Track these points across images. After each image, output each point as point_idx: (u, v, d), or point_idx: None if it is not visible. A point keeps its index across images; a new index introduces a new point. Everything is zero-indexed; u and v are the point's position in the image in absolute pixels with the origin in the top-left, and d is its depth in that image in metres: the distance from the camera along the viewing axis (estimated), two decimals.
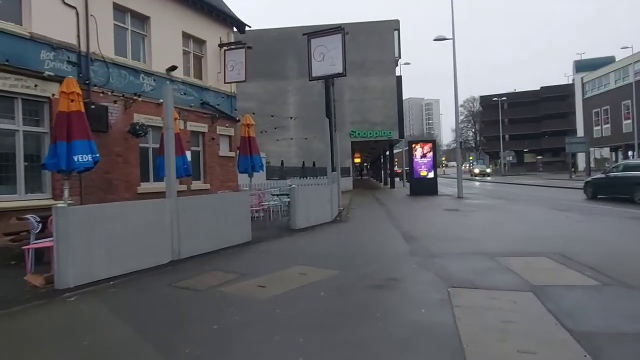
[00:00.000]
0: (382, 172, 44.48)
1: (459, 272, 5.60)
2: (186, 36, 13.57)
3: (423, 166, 23.17)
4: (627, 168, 15.94)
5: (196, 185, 13.44)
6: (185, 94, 12.99)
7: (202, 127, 13.96)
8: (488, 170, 41.70)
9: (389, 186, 34.05)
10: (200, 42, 14.25)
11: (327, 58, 13.76)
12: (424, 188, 22.88)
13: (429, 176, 23.13)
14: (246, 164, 12.34)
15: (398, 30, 30.46)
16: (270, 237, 9.02)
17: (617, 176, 15.97)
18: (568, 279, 5.17)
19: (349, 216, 13.22)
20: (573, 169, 47.51)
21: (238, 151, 13.24)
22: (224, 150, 14.98)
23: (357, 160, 58.13)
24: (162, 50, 12.42)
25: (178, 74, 12.87)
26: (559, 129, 76.22)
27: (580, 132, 60.27)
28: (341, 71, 13.59)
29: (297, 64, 30.33)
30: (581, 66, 70.11)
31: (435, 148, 23.70)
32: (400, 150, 49.43)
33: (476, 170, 32.87)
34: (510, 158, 67.08)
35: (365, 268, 6.02)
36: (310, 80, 14.37)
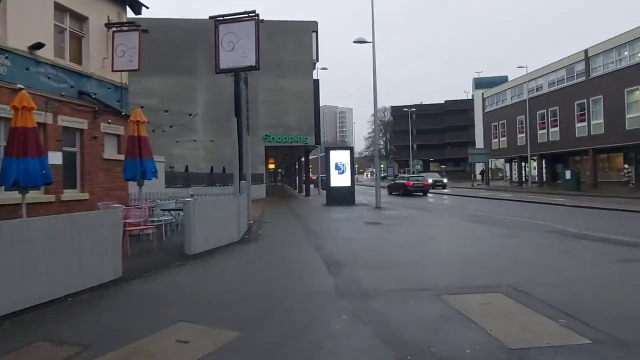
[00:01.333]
0: (297, 178, 43.21)
1: (407, 327, 4.15)
2: (60, 8, 10.88)
3: (340, 174, 22.12)
4: (403, 178, 30.05)
5: (70, 195, 10.77)
6: (51, 78, 10.30)
7: (80, 122, 11.31)
8: (445, 180, 39.87)
9: (304, 194, 32.80)
10: (80, 19, 11.60)
11: (237, 48, 11.91)
12: (341, 197, 21.82)
13: (346, 185, 22.14)
14: (134, 169, 10.00)
15: (316, 32, 29.42)
16: (153, 268, 6.88)
17: (396, 182, 31.51)
18: (545, 333, 3.96)
19: (260, 233, 11.45)
20: (481, 178, 50.29)
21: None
22: (110, 152, 12.39)
23: (272, 166, 56.28)
24: (24, 22, 9.68)
25: (46, 54, 10.17)
26: (460, 141, 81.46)
27: (479, 144, 64.63)
28: (254, 64, 11.84)
29: (208, 60, 27.78)
30: (479, 83, 75.61)
31: (352, 156, 22.81)
32: (316, 156, 48.70)
33: (430, 180, 30.80)
34: (419, 167, 69.91)
35: (277, 324, 4.33)
36: (217, 73, 12.39)
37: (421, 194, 29.58)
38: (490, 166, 58.43)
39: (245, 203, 11.86)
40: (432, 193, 34.31)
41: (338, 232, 11.65)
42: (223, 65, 12.20)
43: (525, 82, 39.36)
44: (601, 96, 30.27)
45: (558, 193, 27.79)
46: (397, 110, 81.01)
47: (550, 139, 36.28)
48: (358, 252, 8.45)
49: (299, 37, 29.19)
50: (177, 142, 27.05)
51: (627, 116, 28.12)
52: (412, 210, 17.85)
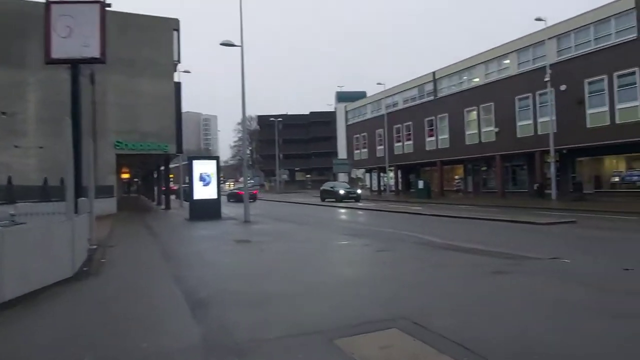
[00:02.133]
0: (156, 189, 39.46)
1: None
2: None
3: (205, 186, 20.33)
4: (333, 185, 34.79)
5: None
6: None
7: None
8: (359, 192, 35.06)
9: (163, 207, 29.83)
10: None
11: (76, 35, 9.74)
12: (206, 211, 20.03)
13: (211, 197, 20.42)
14: None
15: (178, 31, 27.09)
16: None
17: (326, 189, 34.69)
18: None
19: (105, 261, 9.33)
20: (358, 186, 52.07)
21: None
22: None
23: (126, 175, 50.86)
24: None
25: None
26: (324, 151, 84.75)
27: (341, 154, 67.89)
28: (98, 56, 9.84)
29: (42, 47, 23.53)
30: (342, 97, 79.80)
31: (219, 166, 21.22)
32: (178, 165, 45.24)
33: (341, 192, 31.70)
34: (285, 176, 70.53)
35: None
36: (47, 63, 9.99)
37: (353, 200, 31.65)
38: (352, 176, 61.70)
39: (86, 224, 9.62)
40: (296, 203, 34.35)
41: (203, 254, 10.15)
42: (56, 53, 9.89)
43: (383, 98, 42.24)
44: (447, 114, 33.81)
45: (413, 201, 29.99)
46: (263, 120, 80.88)
47: (405, 151, 39.39)
48: (229, 281, 7.18)
49: (158, 34, 26.55)
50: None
51: (467, 133, 31.79)
52: (284, 224, 17.07)
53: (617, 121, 21.42)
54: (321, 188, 36.76)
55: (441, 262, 8.41)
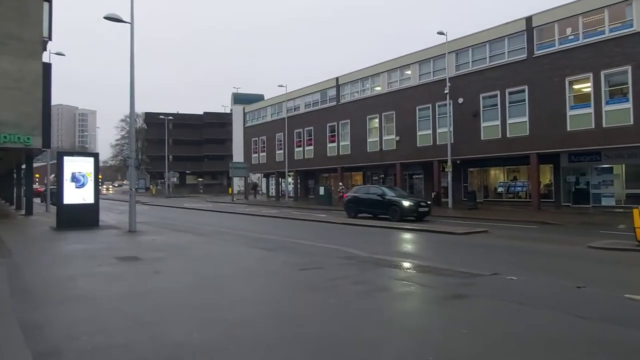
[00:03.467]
0: (15, 191, 33.14)
1: None
2: None
3: (79, 188, 16.88)
4: (382, 193, 21.04)
5: None
6: None
7: None
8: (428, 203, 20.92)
9: (23, 212, 24.76)
10: None
11: None
12: (80, 218, 16.62)
13: (87, 202, 17.03)
14: None
15: (50, 2, 22.70)
16: None
17: (364, 197, 21.66)
18: None
19: None
20: (254, 192, 49.22)
21: None
22: None
23: None
24: None
25: None
26: (218, 154, 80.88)
27: (236, 157, 65.22)
28: None
29: None
30: (238, 99, 77.13)
31: (98, 165, 17.87)
32: (45, 163, 38.74)
33: (405, 204, 19.43)
34: (175, 179, 65.58)
35: None
36: None
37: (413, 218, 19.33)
38: (248, 181, 59.52)
39: None
40: (190, 208, 31.37)
41: (74, 282, 7.60)
42: None
43: (284, 101, 41.01)
44: (349, 120, 33.72)
45: (315, 208, 29.10)
46: (151, 117, 74.54)
47: (306, 157, 38.58)
48: (114, 328, 5.04)
49: (22, 2, 21.91)
50: None
51: (368, 140, 31.96)
52: (179, 235, 14.65)
53: (508, 135, 22.86)
54: (350, 194, 23.01)
55: (383, 285, 7.16)
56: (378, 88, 31.32)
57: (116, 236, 14.22)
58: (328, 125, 35.63)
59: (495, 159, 24.51)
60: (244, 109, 50.57)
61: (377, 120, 31.12)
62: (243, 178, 52.47)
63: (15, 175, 33.17)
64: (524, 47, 22.32)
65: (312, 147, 37.83)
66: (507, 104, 22.97)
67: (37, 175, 50.45)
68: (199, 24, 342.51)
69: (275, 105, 43.95)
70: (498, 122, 23.41)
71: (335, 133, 34.97)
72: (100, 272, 8.39)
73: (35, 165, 33.31)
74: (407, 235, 14.63)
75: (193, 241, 13.04)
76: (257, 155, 46.44)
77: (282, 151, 41.18)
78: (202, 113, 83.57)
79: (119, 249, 11.35)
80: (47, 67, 23.13)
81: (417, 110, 27.83)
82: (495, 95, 23.50)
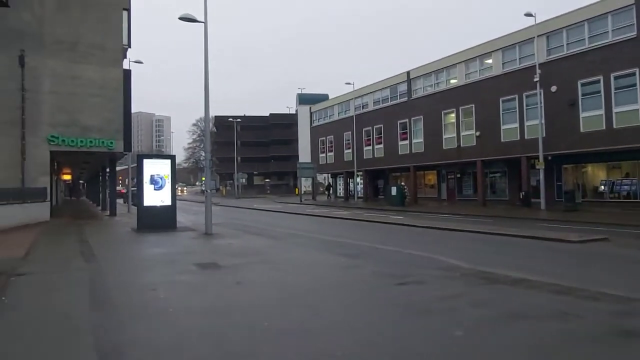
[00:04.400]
0: (101, 193, 35.08)
1: None
2: None
3: (158, 190, 17.00)
4: None
5: None
6: None
7: None
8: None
9: (108, 213, 25.90)
10: None
11: None
12: (158, 220, 16.73)
13: (165, 204, 17.11)
14: None
15: (129, 11, 23.44)
16: None
17: None
18: None
19: None
20: (327, 193, 48.35)
21: None
22: None
23: (67, 177, 45.79)
24: None
25: None
26: (284, 154, 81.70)
27: (303, 158, 65.26)
28: None
29: None
30: (304, 99, 77.34)
31: (174, 167, 17.94)
32: (126, 167, 40.87)
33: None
34: (243, 180, 66.94)
35: None
36: None
37: None
38: (315, 181, 59.24)
39: None
40: (260, 209, 31.31)
41: (152, 290, 7.09)
42: None
43: (352, 98, 39.98)
44: (421, 116, 31.96)
45: (388, 209, 27.78)
46: (221, 121, 76.77)
47: (375, 156, 37.27)
48: (192, 353, 4.28)
49: (106, 13, 22.78)
50: None
51: (444, 136, 30.02)
52: (255, 238, 14.10)
53: (614, 126, 20.08)
54: None
55: (515, 310, 5.81)
56: (454, 80, 29.30)
57: (193, 239, 13.96)
58: (399, 122, 34.08)
59: (596, 153, 21.68)
60: (310, 108, 50.19)
61: (453, 114, 29.13)
62: (310, 178, 52.29)
63: (100, 178, 35.08)
64: (633, 24, 19.43)
65: (381, 146, 36.44)
66: (613, 90, 20.16)
67: (119, 178, 53.63)
68: (264, 27, 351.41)
69: (342, 104, 43.05)
70: (601, 112, 20.63)
71: (407, 130, 33.33)
72: (180, 281, 7.85)
73: (118, 168, 35.09)
74: (509, 242, 12.97)
75: (269, 245, 12.39)
76: (324, 155, 45.83)
77: (350, 150, 40.19)
78: (268, 115, 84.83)
79: (197, 254, 10.94)
80: (127, 74, 23.94)
81: (500, 102, 25.54)
82: (598, 81, 20.73)
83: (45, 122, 21.23)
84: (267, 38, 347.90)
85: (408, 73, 33.26)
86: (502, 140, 25.50)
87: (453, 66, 29.22)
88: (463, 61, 28.28)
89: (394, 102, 35.02)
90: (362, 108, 39.24)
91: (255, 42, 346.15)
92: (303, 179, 46.97)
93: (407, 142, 33.48)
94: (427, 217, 21.35)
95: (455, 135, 28.89)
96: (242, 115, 78.66)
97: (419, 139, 32.41)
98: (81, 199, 55.20)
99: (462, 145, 28.41)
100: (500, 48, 25.64)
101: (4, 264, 9.08)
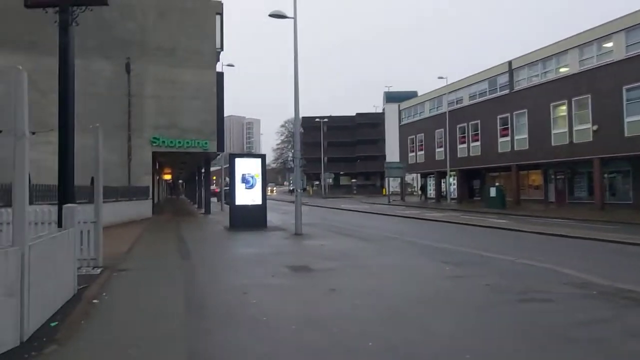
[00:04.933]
0: (197, 192, 37.05)
1: None
2: None
3: (249, 189, 17.10)
4: None
5: None
6: None
7: None
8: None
9: (203, 211, 27.05)
10: None
11: None
12: (249, 219, 16.82)
13: (255, 203, 17.16)
14: None
15: (221, 15, 24.22)
16: None
17: None
18: None
19: (97, 304, 6.05)
20: (421, 194, 46.58)
21: None
22: None
23: (168, 176, 49.25)
24: None
25: None
26: (371, 154, 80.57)
27: (390, 157, 63.63)
28: None
29: (76, 35, 21.26)
30: (391, 97, 75.54)
31: (265, 166, 17.95)
32: (219, 167, 42.95)
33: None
34: (330, 180, 67.09)
35: None
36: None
37: None
38: (401, 181, 57.47)
39: (70, 245, 6.36)
40: (347, 210, 30.67)
41: (247, 297, 6.63)
42: None
43: (445, 94, 37.83)
44: (525, 110, 29.09)
45: (486, 212, 25.59)
46: (308, 121, 77.83)
47: (471, 154, 34.81)
48: None
49: (200, 19, 23.76)
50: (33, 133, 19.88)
51: (553, 132, 26.97)
52: (345, 240, 13.42)
53: None
54: None
55: None
56: (565, 69, 26.14)
57: (284, 239, 13.64)
58: (499, 118, 31.38)
59: None
60: (399, 106, 48.61)
61: (564, 107, 25.99)
62: (398, 178, 50.72)
63: (196, 177, 37.04)
64: None
65: (478, 143, 33.91)
66: None
67: (213, 178, 56.67)
68: (350, 28, 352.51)
69: (434, 100, 40.97)
70: None
71: (509, 125, 30.55)
72: (273, 284, 7.36)
73: (212, 169, 36.74)
74: None
75: (362, 248, 11.60)
76: (413, 154, 44.03)
77: (442, 149, 38.05)
78: (354, 114, 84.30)
79: (288, 255, 10.51)
80: (220, 76, 24.75)
81: (624, 91, 22.17)
82: None
83: (148, 125, 22.63)
84: (354, 37, 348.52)
85: (510, 63, 30.48)
86: (625, 135, 22.10)
87: (564, 53, 26.07)
88: (576, 46, 25.07)
89: (493, 95, 32.34)
90: (456, 103, 36.92)
91: (341, 43, 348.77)
92: (391, 179, 45.57)
93: (508, 138, 30.71)
94: (534, 222, 19.12)
95: (566, 130, 25.75)
96: (329, 115, 78.92)
97: (522, 135, 29.52)
98: (180, 198, 59.26)
99: (574, 141, 25.23)
100: (624, 29, 22.23)
101: (110, 259, 9.36)
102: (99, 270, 8.11)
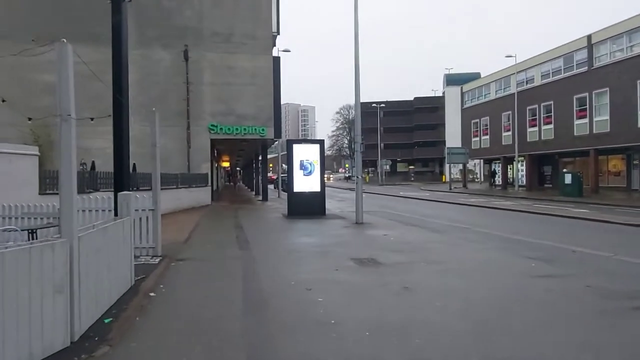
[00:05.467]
0: (255, 179, 37.31)
1: None
2: None
3: (307, 176, 16.56)
4: None
5: None
6: None
7: None
8: None
9: (261, 198, 27.01)
10: None
11: None
12: (307, 206, 16.30)
13: (314, 190, 16.60)
14: None
15: None
16: None
17: None
18: None
19: (155, 298, 5.68)
20: (492, 180, 43.71)
21: None
22: None
23: (226, 164, 50.16)
24: None
25: None
26: (429, 140, 77.82)
27: (450, 142, 60.91)
28: None
29: (136, 25, 21.59)
30: (451, 80, 72.24)
31: (323, 152, 17.31)
32: (276, 155, 43.03)
33: None
34: (387, 167, 65.58)
35: None
36: None
37: None
38: (459, 168, 54.86)
39: (126, 234, 6.01)
40: (407, 197, 29.42)
41: (308, 291, 6.02)
42: None
43: (513, 73, 35.19)
44: (607, 89, 26.27)
45: (559, 200, 23.48)
46: (363, 107, 75.53)
47: (542, 138, 32.22)
48: None
49: (255, 2, 23.33)
50: (92, 120, 20.54)
51: None
52: (411, 230, 12.50)
53: None
54: None
55: None
56: None
57: (345, 228, 12.97)
58: (575, 98, 28.63)
59: None
60: (461, 88, 46.11)
61: None
62: (458, 165, 48.36)
63: (254, 165, 37.25)
64: None
65: (551, 126, 31.25)
66: None
67: (270, 165, 57.06)
68: (407, 8, 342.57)
69: (500, 80, 38.32)
70: None
71: (587, 106, 27.79)
72: (338, 280, 6.70)
73: (269, 156, 36.78)
74: None
75: (431, 240, 10.66)
76: (477, 139, 41.65)
77: (509, 132, 35.58)
78: (412, 99, 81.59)
79: (351, 246, 9.80)
80: (276, 61, 24.26)
81: None
82: None
83: (206, 112, 22.68)
84: (409, 21, 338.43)
85: (589, 37, 27.59)
86: None
87: None
88: None
89: (569, 73, 29.53)
90: (526, 83, 34.24)
91: (396, 26, 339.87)
92: (449, 165, 43.47)
93: (585, 120, 27.98)
94: (619, 212, 17.10)
95: None
96: (385, 100, 76.88)
97: (602, 117, 26.74)
98: (238, 185, 60.43)
99: None
100: None
101: (169, 248, 9.14)
102: (157, 260, 7.85)
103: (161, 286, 6.24)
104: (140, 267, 7.18)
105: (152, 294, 5.77)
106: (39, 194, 11.34)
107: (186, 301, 5.69)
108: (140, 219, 8.17)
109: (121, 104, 6.40)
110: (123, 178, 6.40)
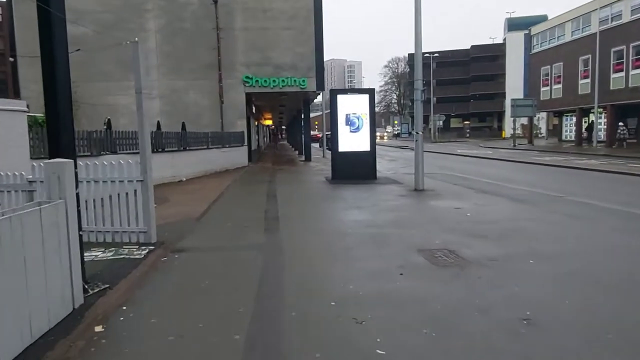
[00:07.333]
0: (298, 138, 34.94)
1: None
2: None
3: (354, 132, 13.88)
4: None
5: None
6: None
7: None
8: None
9: (303, 158, 24.66)
10: None
11: None
12: (355, 168, 13.73)
13: (363, 149, 13.93)
14: None
15: None
16: None
17: None
18: None
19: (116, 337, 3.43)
20: (587, 135, 37.62)
21: None
22: None
23: (269, 122, 48.05)
24: None
25: None
26: (487, 92, 71.57)
27: (511, 94, 55.21)
28: None
29: None
30: (514, 24, 65.13)
31: (373, 103, 14.46)
32: (320, 113, 40.13)
33: None
34: (440, 123, 61.00)
35: None
36: None
37: None
38: (521, 122, 49.68)
39: (60, 226, 3.74)
40: (467, 156, 26.00)
41: (355, 304, 3.58)
42: None
43: (595, 9, 29.78)
44: None
45: None
46: (413, 58, 70.94)
47: (630, 84, 27.27)
48: None
49: None
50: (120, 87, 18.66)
51: None
52: (492, 200, 9.64)
53: None
54: None
55: None
56: None
57: (402, 197, 10.32)
58: None
59: None
60: (529, 30, 40.56)
61: None
62: (519, 119, 43.40)
63: (296, 122, 34.76)
64: None
65: (639, 71, 26.28)
66: None
67: (315, 123, 54.29)
68: None
69: (577, 19, 32.80)
70: None
71: None
72: (404, 296, 4.15)
73: (313, 115, 34.11)
74: None
75: (520, 216, 7.82)
76: (547, 88, 36.67)
77: (588, 80, 30.65)
78: (468, 47, 74.77)
79: (414, 226, 7.17)
80: (317, 2, 21.06)
81: None
82: None
83: (239, 63, 20.19)
84: None
85: None
86: None
87: None
88: None
89: None
90: (611, 21, 28.85)
91: None
92: (513, 119, 38.82)
93: None
94: None
95: None
96: (439, 50, 70.90)
97: None
98: (280, 144, 58.39)
99: None
100: None
101: (173, 228, 7.02)
102: (146, 250, 5.65)
103: (124, 308, 3.98)
104: (116, 264, 5.01)
105: (98, 329, 3.51)
106: (31, 157, 9.46)
107: (152, 351, 3.38)
108: (127, 193, 5.97)
109: (49, 17, 3.93)
110: (60, 134, 4.02)
